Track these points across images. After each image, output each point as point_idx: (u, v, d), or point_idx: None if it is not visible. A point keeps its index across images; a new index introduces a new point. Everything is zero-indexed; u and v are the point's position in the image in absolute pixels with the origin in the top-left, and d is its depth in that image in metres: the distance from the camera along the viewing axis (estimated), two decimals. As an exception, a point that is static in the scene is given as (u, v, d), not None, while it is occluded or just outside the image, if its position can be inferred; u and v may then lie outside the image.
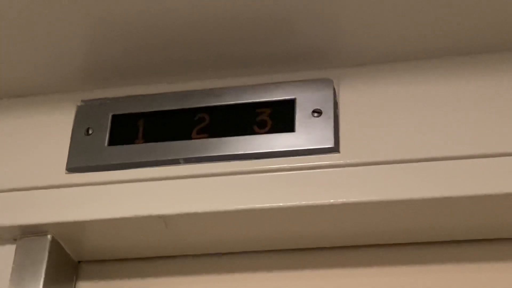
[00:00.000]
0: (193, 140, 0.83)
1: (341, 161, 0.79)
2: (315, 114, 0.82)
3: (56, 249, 0.86)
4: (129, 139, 0.85)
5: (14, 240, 0.86)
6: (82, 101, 0.89)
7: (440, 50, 0.82)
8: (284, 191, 0.79)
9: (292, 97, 0.83)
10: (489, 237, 0.81)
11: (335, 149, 0.80)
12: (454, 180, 0.76)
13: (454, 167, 0.76)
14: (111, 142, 0.85)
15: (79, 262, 0.90)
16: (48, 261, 0.84)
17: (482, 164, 0.76)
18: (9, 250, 0.85)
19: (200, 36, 0.82)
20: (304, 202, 0.78)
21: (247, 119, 0.83)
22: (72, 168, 0.85)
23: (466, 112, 0.79)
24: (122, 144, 0.85)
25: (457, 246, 0.82)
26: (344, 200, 0.77)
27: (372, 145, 0.79)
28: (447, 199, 0.75)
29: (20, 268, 0.84)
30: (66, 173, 0.85)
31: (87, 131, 0.87)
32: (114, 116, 0.87)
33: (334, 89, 0.83)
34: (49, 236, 0.85)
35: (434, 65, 0.83)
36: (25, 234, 0.85)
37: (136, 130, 0.85)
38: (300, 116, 0.82)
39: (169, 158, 0.83)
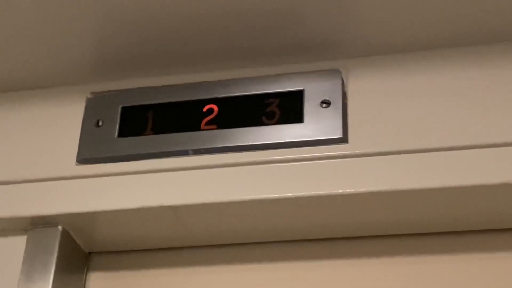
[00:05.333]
0: (202, 131, 0.84)
1: (350, 151, 0.79)
2: (324, 105, 0.82)
3: (67, 240, 0.86)
4: (138, 131, 0.86)
5: (25, 231, 0.87)
6: (92, 93, 0.90)
7: (449, 40, 0.82)
8: (293, 182, 0.79)
9: (301, 88, 0.83)
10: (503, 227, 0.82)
11: (344, 139, 0.80)
12: (464, 170, 0.76)
13: (463, 157, 0.76)
14: (121, 134, 0.86)
15: (89, 253, 0.91)
16: (58, 252, 0.85)
17: (493, 153, 0.76)
18: (20, 241, 0.86)
19: (208, 27, 0.83)
20: (313, 192, 0.78)
21: (255, 110, 0.83)
22: (82, 159, 0.86)
23: (476, 102, 0.79)
24: (132, 135, 0.85)
25: (468, 236, 0.82)
26: (353, 190, 0.77)
27: (381, 135, 0.79)
28: (458, 188, 0.75)
29: (31, 259, 0.85)
30: (76, 165, 0.86)
31: (97, 123, 0.87)
32: (123, 108, 0.87)
33: (342, 79, 0.83)
34: (59, 227, 0.85)
35: (442, 55, 0.83)
36: (36, 225, 0.86)
37: (146, 122, 0.86)
38: (309, 107, 0.82)
39: (178, 149, 0.83)
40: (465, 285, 0.80)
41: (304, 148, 0.80)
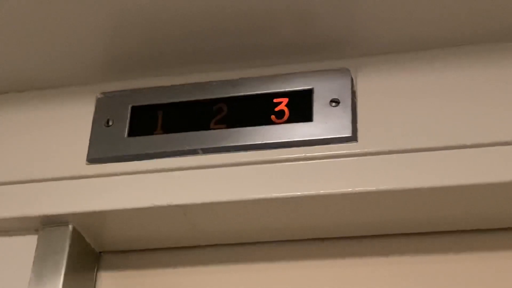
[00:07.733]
0: (211, 131, 0.84)
1: (359, 150, 0.79)
2: (333, 104, 0.82)
3: (77, 240, 0.87)
4: (148, 130, 0.86)
5: (36, 230, 0.87)
6: (102, 93, 0.90)
7: (458, 39, 0.82)
8: (302, 180, 0.79)
9: (310, 87, 0.83)
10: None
11: (353, 138, 0.80)
12: (474, 168, 0.75)
13: (472, 155, 0.76)
14: (131, 133, 0.86)
15: (100, 252, 0.91)
16: (69, 252, 0.85)
17: (501, 151, 0.76)
18: (31, 241, 0.86)
19: (218, 27, 0.83)
20: (322, 191, 0.78)
21: (265, 109, 0.83)
22: (92, 159, 0.86)
23: (485, 100, 0.79)
24: (142, 135, 0.86)
25: (478, 235, 0.82)
26: (362, 188, 0.77)
27: (390, 134, 0.79)
28: (466, 187, 0.75)
29: (41, 258, 0.85)
30: (86, 164, 0.86)
31: (107, 122, 0.87)
32: (133, 108, 0.87)
33: (351, 78, 0.83)
34: (70, 227, 0.86)
35: (452, 54, 0.83)
36: (46, 225, 0.86)
37: (155, 121, 0.86)
38: (318, 106, 0.82)
39: (188, 148, 0.83)
40: (471, 285, 0.80)
41: (313, 147, 0.80)
